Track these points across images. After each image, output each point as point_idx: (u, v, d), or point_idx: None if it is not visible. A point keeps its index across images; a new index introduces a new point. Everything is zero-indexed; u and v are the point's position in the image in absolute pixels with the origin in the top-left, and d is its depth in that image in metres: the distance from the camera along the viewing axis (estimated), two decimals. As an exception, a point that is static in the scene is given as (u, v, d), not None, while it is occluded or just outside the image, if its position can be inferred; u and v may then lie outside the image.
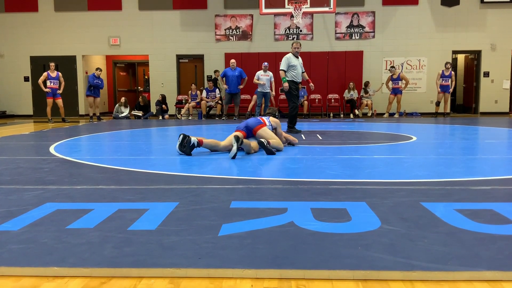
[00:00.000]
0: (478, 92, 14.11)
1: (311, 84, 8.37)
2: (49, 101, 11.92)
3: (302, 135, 7.43)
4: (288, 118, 8.17)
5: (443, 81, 12.59)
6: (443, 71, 12.60)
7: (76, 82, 14.47)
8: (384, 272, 1.79)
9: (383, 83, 13.50)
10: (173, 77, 14.37)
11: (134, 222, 2.45)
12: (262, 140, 5.12)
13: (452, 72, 12.66)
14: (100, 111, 13.10)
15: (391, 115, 13.18)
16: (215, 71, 13.48)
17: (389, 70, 13.02)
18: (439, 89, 12.63)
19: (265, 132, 5.43)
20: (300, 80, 8.20)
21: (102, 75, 15.36)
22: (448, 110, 13.16)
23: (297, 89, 8.19)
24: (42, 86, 11.83)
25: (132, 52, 14.45)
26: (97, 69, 12.51)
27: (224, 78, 12.29)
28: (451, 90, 12.78)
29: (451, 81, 12.62)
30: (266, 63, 11.94)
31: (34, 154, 5.54)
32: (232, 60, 12.29)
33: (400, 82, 12.78)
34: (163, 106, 13.37)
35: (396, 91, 12.80)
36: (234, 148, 4.77)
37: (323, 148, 5.74)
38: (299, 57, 8.20)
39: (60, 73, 12.15)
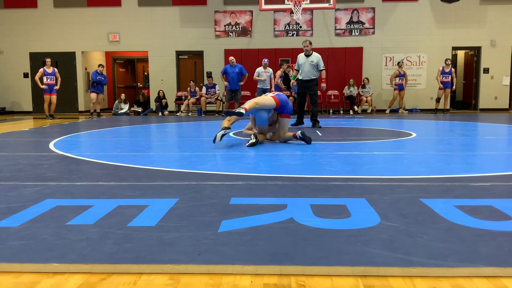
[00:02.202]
0: (478, 89, 14.09)
1: (323, 84, 8.62)
2: (47, 97, 11.90)
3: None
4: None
5: (444, 78, 12.58)
6: (443, 67, 12.59)
7: (76, 79, 14.44)
8: (383, 268, 1.79)
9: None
10: (173, 74, 14.35)
11: (134, 219, 2.45)
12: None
13: (452, 69, 12.65)
14: (100, 108, 13.07)
15: (395, 111, 13.17)
16: (208, 76, 13.42)
17: (398, 64, 12.98)
18: (441, 85, 12.63)
19: (287, 123, 5.81)
20: (307, 78, 8.34)
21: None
22: (448, 107, 13.14)
23: (304, 87, 8.42)
24: (38, 83, 11.80)
25: (131, 48, 14.41)
26: (99, 65, 12.49)
27: (224, 75, 12.27)
28: (454, 87, 12.74)
29: (452, 78, 12.60)
30: (266, 60, 11.92)
31: (34, 150, 5.54)
32: (231, 57, 12.25)
33: (404, 78, 12.82)
34: (163, 101, 13.34)
35: (401, 87, 12.82)
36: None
37: (323, 144, 5.74)
38: (313, 54, 8.34)
39: (56, 69, 12.13)
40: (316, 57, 8.32)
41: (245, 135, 6.40)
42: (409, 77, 13.79)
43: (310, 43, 8.35)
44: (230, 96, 12.35)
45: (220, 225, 2.32)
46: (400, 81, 12.78)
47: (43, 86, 11.79)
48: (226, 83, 12.22)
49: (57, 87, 12.03)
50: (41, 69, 11.87)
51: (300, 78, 8.39)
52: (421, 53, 13.72)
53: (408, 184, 3.28)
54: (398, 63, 12.99)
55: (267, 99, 5.55)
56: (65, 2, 14.08)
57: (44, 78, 11.83)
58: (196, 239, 2.12)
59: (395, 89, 12.89)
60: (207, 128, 8.77)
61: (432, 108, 13.25)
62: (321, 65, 8.35)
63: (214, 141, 5.38)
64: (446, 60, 12.62)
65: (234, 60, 12.18)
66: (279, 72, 12.33)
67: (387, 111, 13.08)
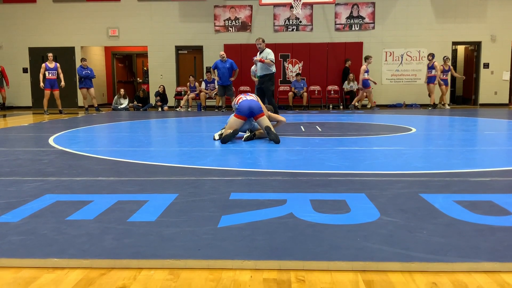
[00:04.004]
0: (478, 84, 14.06)
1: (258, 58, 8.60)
2: (47, 92, 11.81)
3: (302, 127, 7.42)
4: None
5: (444, 75, 12.67)
6: (443, 66, 12.64)
7: (75, 74, 14.35)
8: (383, 263, 1.79)
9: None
10: (172, 69, 14.31)
11: (134, 214, 2.46)
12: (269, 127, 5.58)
13: (451, 66, 12.72)
14: (99, 103, 13.03)
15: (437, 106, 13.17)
16: (208, 71, 13.41)
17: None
18: (441, 82, 12.68)
19: (266, 120, 5.67)
20: (260, 74, 8.54)
21: (101, 66, 15.33)
22: (444, 101, 13.04)
23: (260, 82, 8.62)
24: (41, 80, 11.71)
25: (131, 43, 14.36)
26: (82, 60, 12.39)
27: (216, 70, 12.24)
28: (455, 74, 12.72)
29: (451, 74, 12.60)
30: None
31: (34, 145, 5.53)
32: (221, 52, 12.22)
33: (447, 73, 12.82)
34: (159, 88, 13.26)
35: (445, 82, 12.82)
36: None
37: (323, 139, 5.74)
38: (264, 51, 8.43)
39: (58, 64, 12.07)
40: (265, 52, 8.41)
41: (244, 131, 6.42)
42: (409, 72, 13.78)
43: (263, 41, 8.57)
44: (223, 91, 12.33)
45: (220, 220, 2.32)
46: (444, 76, 12.80)
47: (41, 85, 11.68)
48: (217, 78, 12.21)
49: (63, 84, 11.97)
50: (43, 64, 11.76)
51: (258, 74, 8.63)
52: (421, 48, 13.69)
53: (407, 179, 3.28)
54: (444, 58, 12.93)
55: (233, 121, 5.64)
56: (64, -4, 14.03)
57: (46, 73, 11.76)
58: (195, 234, 2.12)
59: (440, 85, 12.81)
60: (207, 123, 8.76)
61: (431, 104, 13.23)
62: (268, 58, 8.27)
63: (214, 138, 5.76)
64: (445, 58, 12.61)
65: (225, 55, 12.15)
66: (364, 67, 12.31)
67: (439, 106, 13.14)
